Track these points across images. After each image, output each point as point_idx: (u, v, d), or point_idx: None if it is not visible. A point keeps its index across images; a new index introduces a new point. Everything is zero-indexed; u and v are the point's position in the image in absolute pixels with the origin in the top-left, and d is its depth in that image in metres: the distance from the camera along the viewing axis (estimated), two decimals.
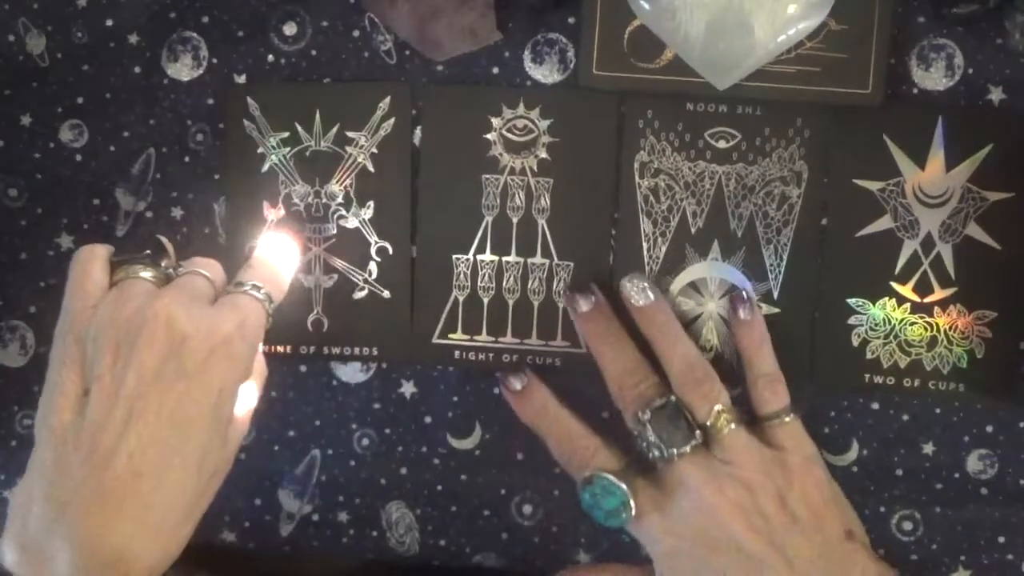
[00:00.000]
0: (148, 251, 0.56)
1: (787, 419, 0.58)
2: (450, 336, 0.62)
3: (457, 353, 0.62)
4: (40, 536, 0.49)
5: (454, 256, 0.62)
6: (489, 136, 0.62)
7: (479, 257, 0.62)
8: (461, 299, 0.62)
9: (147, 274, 0.54)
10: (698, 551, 0.56)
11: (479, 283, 0.62)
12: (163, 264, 0.55)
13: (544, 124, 0.62)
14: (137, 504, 0.49)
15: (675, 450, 0.57)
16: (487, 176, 0.62)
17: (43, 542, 0.49)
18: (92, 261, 0.54)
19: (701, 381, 0.58)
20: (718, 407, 0.57)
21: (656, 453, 0.57)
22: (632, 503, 0.57)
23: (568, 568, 0.62)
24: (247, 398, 0.56)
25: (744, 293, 0.60)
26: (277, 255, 0.59)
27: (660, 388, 0.58)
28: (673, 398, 0.58)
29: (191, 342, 0.51)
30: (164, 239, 0.57)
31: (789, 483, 0.56)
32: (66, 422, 0.51)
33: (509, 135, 0.62)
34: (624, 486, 0.57)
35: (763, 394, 0.58)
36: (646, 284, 0.59)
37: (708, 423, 0.57)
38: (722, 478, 0.56)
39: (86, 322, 0.52)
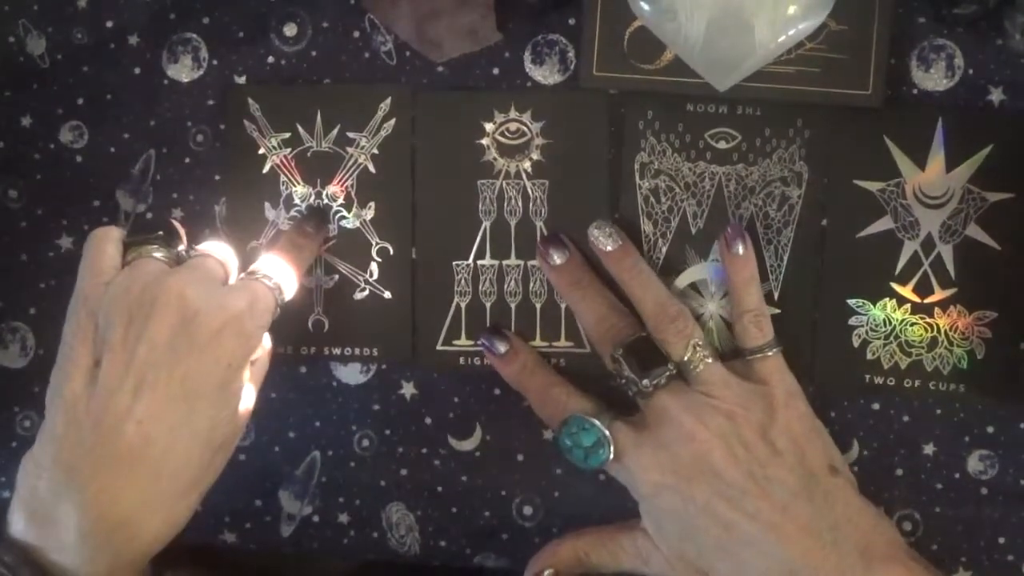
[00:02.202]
0: (160, 232, 0.57)
1: (770, 354, 0.58)
2: (454, 343, 0.62)
3: (462, 359, 0.62)
4: (48, 501, 0.50)
5: (454, 263, 0.62)
6: (482, 141, 0.62)
7: (479, 262, 0.62)
8: (463, 305, 0.62)
9: (159, 254, 0.55)
10: (681, 484, 0.56)
11: (480, 288, 0.62)
12: (175, 246, 0.57)
13: (537, 126, 0.62)
14: (145, 471, 0.51)
15: (649, 381, 0.57)
16: (482, 181, 0.62)
17: (51, 507, 0.50)
18: (106, 241, 0.55)
19: (674, 318, 0.58)
20: (694, 341, 0.57)
21: (634, 388, 0.57)
22: (611, 439, 0.57)
23: (554, 541, 0.62)
24: (255, 375, 0.57)
25: (741, 227, 0.60)
26: (289, 256, 0.60)
27: (634, 326, 0.59)
28: (646, 333, 0.58)
29: (202, 316, 0.52)
30: (176, 223, 0.59)
31: (771, 416, 0.56)
32: (77, 391, 0.52)
33: (502, 139, 0.62)
34: (599, 423, 0.57)
35: (749, 329, 0.58)
36: (613, 229, 0.60)
37: (685, 358, 0.57)
38: (702, 407, 0.56)
39: (98, 298, 0.54)
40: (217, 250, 0.58)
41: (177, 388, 0.52)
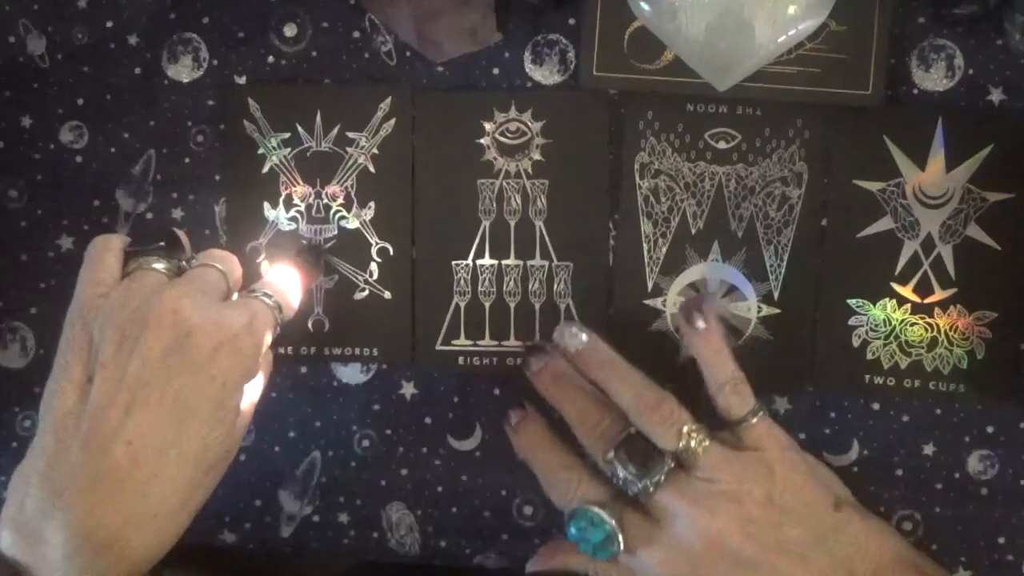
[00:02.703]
0: (163, 243, 0.56)
1: (754, 420, 0.57)
2: (453, 342, 0.62)
3: (461, 359, 0.62)
4: (35, 519, 0.49)
5: (454, 262, 0.62)
6: (482, 141, 0.62)
7: (479, 262, 0.62)
8: (463, 305, 0.62)
9: (160, 266, 0.55)
10: (699, 573, 0.55)
11: (480, 288, 0.62)
12: (177, 257, 0.56)
13: (537, 126, 0.62)
14: (132, 492, 0.50)
15: (648, 481, 0.55)
16: (482, 181, 0.62)
17: (38, 525, 0.49)
18: (106, 250, 0.55)
19: (656, 406, 0.56)
20: (685, 428, 0.55)
21: (633, 489, 0.56)
22: (620, 536, 0.55)
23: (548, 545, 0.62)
24: (251, 394, 0.55)
25: (696, 301, 0.58)
26: (288, 280, 0.59)
27: (621, 423, 0.56)
28: (634, 430, 0.56)
29: (197, 334, 0.52)
30: (180, 232, 0.58)
31: (772, 480, 0.56)
32: (68, 407, 0.51)
33: (502, 138, 0.62)
34: (610, 518, 0.56)
35: (730, 400, 0.57)
36: (575, 328, 0.58)
37: (680, 446, 0.55)
38: (708, 498, 0.55)
39: (95, 310, 0.53)
40: (220, 260, 0.57)
41: (169, 407, 0.51)
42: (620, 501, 0.56)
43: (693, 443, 0.55)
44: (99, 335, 0.52)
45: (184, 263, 0.56)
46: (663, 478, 0.55)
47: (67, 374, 0.52)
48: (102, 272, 0.54)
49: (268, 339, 0.55)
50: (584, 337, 0.58)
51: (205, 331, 0.52)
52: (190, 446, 0.51)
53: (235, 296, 0.57)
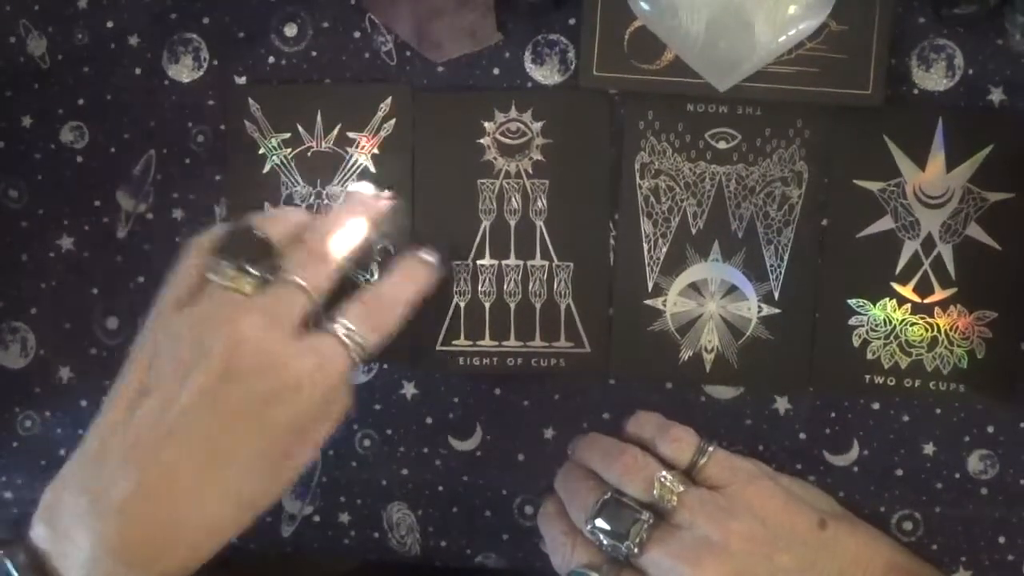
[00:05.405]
0: (251, 252, 0.52)
1: (703, 459, 0.57)
2: (453, 343, 0.62)
3: (461, 359, 0.62)
4: (68, 518, 0.50)
5: (453, 263, 0.62)
6: (482, 141, 0.62)
7: (479, 262, 0.62)
8: (463, 305, 0.62)
9: (240, 282, 0.52)
10: None
11: (480, 288, 0.62)
12: (265, 268, 0.52)
13: (537, 126, 0.62)
14: (162, 514, 0.49)
15: (630, 543, 0.55)
16: (482, 181, 0.62)
17: (69, 524, 0.50)
18: (193, 257, 0.53)
19: (619, 456, 0.57)
20: (655, 475, 0.56)
21: (618, 554, 0.55)
22: None
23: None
24: (309, 439, 0.52)
25: (637, 419, 0.60)
26: (400, 285, 0.56)
27: (598, 492, 0.56)
28: (608, 493, 0.56)
29: (253, 377, 0.50)
30: (269, 236, 0.53)
31: (751, 511, 0.55)
32: (117, 417, 0.51)
33: (502, 138, 0.62)
34: None
35: (671, 449, 0.57)
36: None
37: (656, 495, 0.55)
38: (693, 548, 0.54)
39: (168, 323, 0.52)
40: (312, 274, 0.52)
41: (208, 444, 0.49)
42: (616, 567, 0.56)
43: (665, 491, 0.55)
44: (165, 351, 0.51)
45: (269, 276, 0.52)
46: (645, 536, 0.55)
47: (124, 385, 0.52)
48: (184, 284, 0.53)
49: (335, 388, 0.52)
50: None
51: (263, 378, 0.50)
52: (227, 486, 0.50)
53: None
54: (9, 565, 0.50)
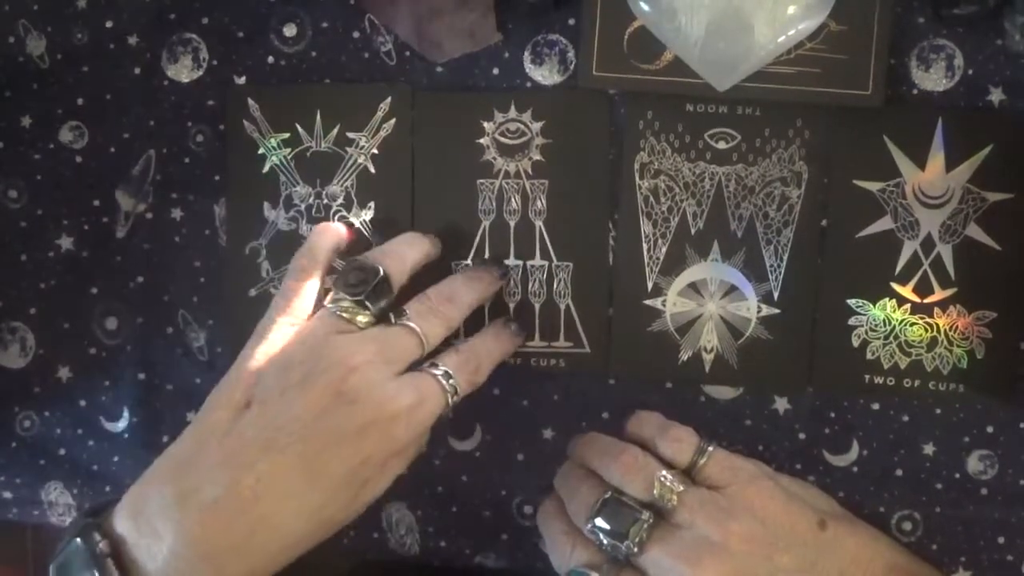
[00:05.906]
0: (368, 285, 0.55)
1: (703, 459, 0.57)
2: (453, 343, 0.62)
3: None
4: (154, 513, 0.51)
5: (453, 263, 0.62)
6: (482, 141, 0.62)
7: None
8: None
9: (356, 315, 0.55)
10: None
11: None
12: (381, 303, 0.55)
13: (537, 126, 0.62)
14: (245, 524, 0.51)
15: (629, 543, 0.54)
16: (482, 181, 0.62)
17: (155, 519, 0.51)
18: (308, 272, 0.56)
19: (619, 455, 0.57)
20: (655, 475, 0.56)
21: (618, 553, 0.55)
22: None
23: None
24: (391, 470, 0.55)
25: (638, 419, 0.60)
26: (492, 345, 0.59)
27: (598, 491, 0.56)
28: (608, 493, 0.56)
29: (356, 408, 0.52)
30: (390, 275, 0.56)
31: (751, 512, 0.55)
32: (217, 423, 0.52)
33: (502, 139, 0.62)
34: None
35: (671, 449, 0.57)
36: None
37: (655, 495, 0.55)
38: (693, 548, 0.54)
39: (282, 339, 0.54)
40: (430, 326, 0.56)
41: (304, 464, 0.51)
42: (615, 566, 0.56)
43: (666, 490, 0.55)
44: (272, 367, 0.53)
45: (390, 314, 0.56)
46: (645, 535, 0.55)
47: (229, 392, 0.53)
48: (298, 305, 0.55)
49: (427, 426, 0.55)
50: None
51: (366, 407, 0.52)
52: (311, 503, 0.52)
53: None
54: (85, 547, 0.51)
